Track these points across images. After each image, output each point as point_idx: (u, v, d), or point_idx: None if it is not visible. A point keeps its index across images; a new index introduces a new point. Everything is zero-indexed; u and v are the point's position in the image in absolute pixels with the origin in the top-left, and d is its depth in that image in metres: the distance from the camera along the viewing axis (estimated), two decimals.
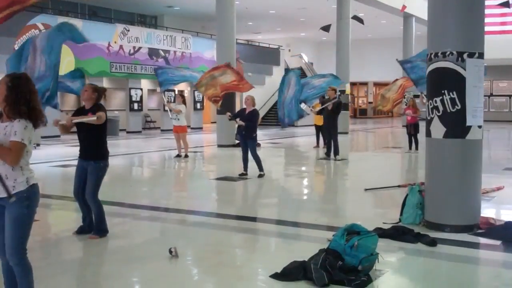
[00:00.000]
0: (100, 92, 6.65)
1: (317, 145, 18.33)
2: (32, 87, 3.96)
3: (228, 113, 12.22)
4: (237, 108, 18.48)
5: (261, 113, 31.56)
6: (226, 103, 17.34)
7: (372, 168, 13.80)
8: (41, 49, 7.02)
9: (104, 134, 6.67)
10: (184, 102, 15.15)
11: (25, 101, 3.85)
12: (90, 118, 6.32)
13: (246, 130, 11.34)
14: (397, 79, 17.13)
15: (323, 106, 14.67)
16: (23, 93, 3.85)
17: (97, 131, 6.48)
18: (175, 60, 27.22)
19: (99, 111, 6.44)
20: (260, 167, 11.48)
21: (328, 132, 15.01)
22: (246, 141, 11.45)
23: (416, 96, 18.73)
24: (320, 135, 18.30)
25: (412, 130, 16.38)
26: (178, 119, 14.83)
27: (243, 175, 11.45)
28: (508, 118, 38.78)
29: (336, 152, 14.49)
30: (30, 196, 3.89)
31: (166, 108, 16.24)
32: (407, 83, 15.99)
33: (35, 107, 3.91)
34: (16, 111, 3.84)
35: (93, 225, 6.62)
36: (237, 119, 11.45)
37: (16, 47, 20.06)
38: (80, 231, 6.63)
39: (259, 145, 18.26)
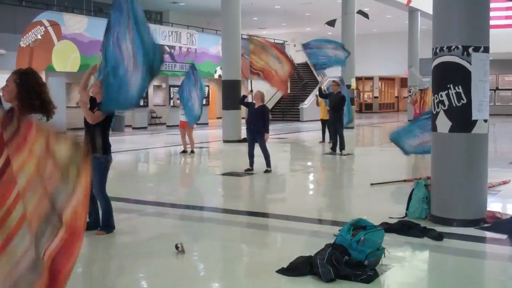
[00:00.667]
0: None
1: (323, 140, 18.32)
2: (40, 79, 3.98)
3: (249, 91, 12.60)
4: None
5: None
6: (231, 101, 17.36)
7: (378, 163, 13.80)
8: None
9: (107, 129, 6.63)
10: None
11: (36, 94, 3.88)
12: (89, 112, 6.35)
13: (254, 124, 11.34)
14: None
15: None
16: (32, 87, 3.88)
17: (99, 124, 6.46)
18: (181, 56, 27.24)
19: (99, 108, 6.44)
20: (268, 163, 11.48)
21: (333, 127, 15.02)
22: (255, 136, 11.45)
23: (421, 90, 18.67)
24: (327, 129, 18.30)
25: None
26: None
27: (249, 171, 11.46)
28: None
29: (342, 147, 14.48)
30: None
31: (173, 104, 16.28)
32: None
33: (46, 99, 3.93)
34: (29, 106, 3.86)
35: (99, 221, 6.64)
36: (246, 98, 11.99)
37: (22, 43, 20.18)
38: (87, 228, 6.64)
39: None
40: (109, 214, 6.58)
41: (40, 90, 3.91)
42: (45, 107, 3.92)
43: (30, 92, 3.87)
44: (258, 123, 11.32)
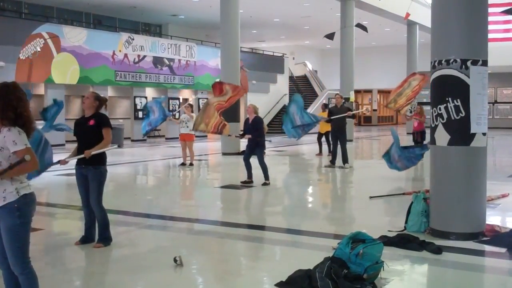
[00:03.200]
0: (101, 102, 6.65)
1: (320, 153, 18.30)
2: (19, 93, 3.98)
3: (235, 135, 12.36)
4: (242, 116, 18.48)
5: (266, 121, 31.60)
6: (229, 114, 17.37)
7: (377, 176, 13.77)
8: None
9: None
10: (192, 111, 15.26)
11: (11, 107, 3.88)
12: (106, 148, 6.46)
13: (253, 138, 11.42)
14: (411, 77, 15.83)
15: (341, 116, 14.26)
16: (10, 100, 3.89)
17: (98, 136, 6.47)
18: (180, 68, 27.31)
19: (103, 125, 6.45)
20: (266, 176, 11.47)
21: (335, 139, 14.82)
22: (254, 148, 11.47)
23: (421, 103, 18.67)
24: (323, 142, 18.27)
25: (418, 137, 16.30)
26: (188, 127, 14.88)
27: (246, 183, 11.43)
28: None
29: (345, 160, 14.42)
30: (20, 207, 3.87)
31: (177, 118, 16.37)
32: (423, 83, 15.00)
33: (23, 113, 3.92)
34: (4, 117, 3.87)
35: (95, 233, 6.61)
36: (246, 136, 11.53)
37: (22, 56, 20.23)
38: (84, 241, 6.61)
39: (264, 153, 18.26)
40: (106, 226, 6.56)
41: (17, 104, 3.91)
42: (19, 121, 3.91)
43: (7, 104, 3.88)
44: (254, 135, 11.38)
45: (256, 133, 11.41)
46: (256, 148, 11.46)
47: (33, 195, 4.00)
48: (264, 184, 11.37)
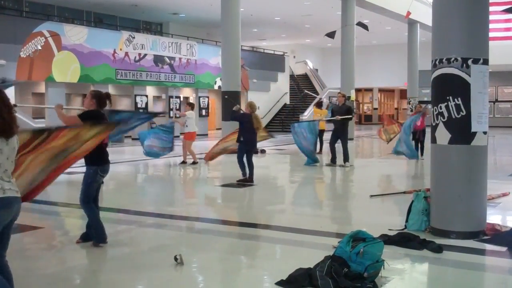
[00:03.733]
0: (100, 98, 6.52)
1: (320, 151, 18.28)
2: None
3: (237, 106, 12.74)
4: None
5: (266, 120, 31.64)
6: (231, 106, 17.38)
7: (378, 174, 13.79)
8: None
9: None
10: (192, 109, 15.29)
11: None
12: (63, 114, 6.42)
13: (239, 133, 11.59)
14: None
15: (332, 118, 14.48)
16: None
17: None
18: (181, 67, 27.31)
19: (78, 114, 6.43)
20: (243, 173, 11.50)
21: (335, 138, 14.77)
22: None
23: (422, 102, 18.73)
24: (325, 140, 18.26)
25: (420, 136, 16.29)
26: (187, 126, 14.88)
27: (246, 182, 11.42)
28: None
29: (346, 159, 14.40)
30: None
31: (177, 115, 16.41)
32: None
33: (5, 118, 3.79)
34: None
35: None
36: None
37: (22, 54, 20.23)
38: (85, 238, 6.59)
39: (264, 151, 18.29)
40: (96, 225, 6.45)
41: None
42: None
43: None
44: (239, 132, 11.53)
45: (241, 127, 11.49)
46: (241, 145, 11.55)
47: (6, 200, 3.79)
48: (239, 180, 11.40)
